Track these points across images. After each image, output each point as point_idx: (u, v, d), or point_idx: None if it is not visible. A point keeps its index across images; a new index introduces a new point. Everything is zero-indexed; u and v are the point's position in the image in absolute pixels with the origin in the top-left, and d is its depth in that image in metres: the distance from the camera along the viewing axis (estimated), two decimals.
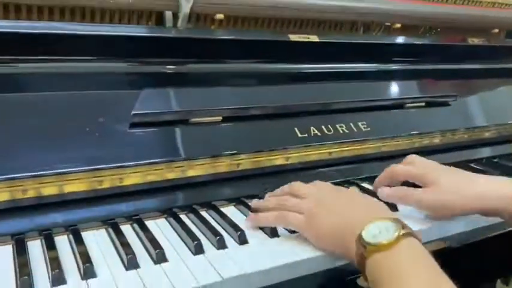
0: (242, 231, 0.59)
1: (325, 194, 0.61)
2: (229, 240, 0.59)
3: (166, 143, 0.69)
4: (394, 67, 0.98)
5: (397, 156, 0.86)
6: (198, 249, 0.56)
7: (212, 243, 0.58)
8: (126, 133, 0.66)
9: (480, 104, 1.03)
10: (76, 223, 0.60)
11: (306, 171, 0.77)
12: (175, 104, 0.71)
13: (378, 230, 0.49)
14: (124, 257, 0.53)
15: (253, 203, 0.67)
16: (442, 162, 0.86)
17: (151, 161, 0.65)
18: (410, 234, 0.49)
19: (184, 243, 0.58)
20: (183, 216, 0.65)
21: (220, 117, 0.72)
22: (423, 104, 0.93)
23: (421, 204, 0.64)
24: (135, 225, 0.62)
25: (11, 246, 0.56)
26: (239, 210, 0.69)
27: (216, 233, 0.59)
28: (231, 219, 0.63)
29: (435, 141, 0.91)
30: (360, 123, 0.82)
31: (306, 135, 0.77)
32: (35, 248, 0.56)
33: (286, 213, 0.60)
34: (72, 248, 0.56)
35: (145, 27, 0.75)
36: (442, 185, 0.63)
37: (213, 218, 0.65)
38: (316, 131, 0.78)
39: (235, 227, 0.61)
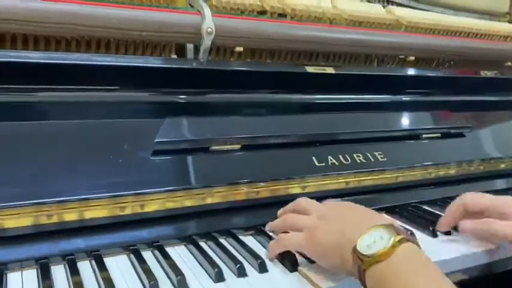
0: (262, 259, 0.60)
1: (327, 208, 0.61)
2: (249, 268, 0.59)
3: (186, 170, 0.70)
4: (407, 98, 1.00)
5: (414, 186, 0.87)
6: (219, 277, 0.56)
7: (232, 271, 0.58)
8: (148, 160, 0.67)
9: (494, 136, 1.03)
10: (98, 248, 0.61)
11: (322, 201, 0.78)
12: (196, 133, 0.72)
13: (373, 239, 0.48)
14: (146, 282, 0.54)
15: (269, 224, 0.67)
16: (456, 193, 0.87)
17: (172, 188, 0.66)
18: (405, 239, 0.48)
19: (205, 270, 0.59)
20: (202, 244, 0.65)
21: (239, 146, 0.74)
22: (439, 135, 0.93)
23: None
24: (156, 252, 0.62)
25: (35, 270, 0.57)
26: (256, 239, 0.69)
27: (236, 260, 0.59)
28: (250, 247, 0.64)
29: (451, 172, 0.91)
30: (376, 153, 0.83)
31: (324, 164, 0.78)
32: (59, 272, 0.57)
33: (282, 235, 0.60)
34: (95, 273, 0.57)
35: (168, 59, 0.78)
36: None
37: (232, 246, 0.66)
38: (334, 160, 0.79)
39: (254, 255, 0.61)
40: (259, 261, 0.59)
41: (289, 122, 0.83)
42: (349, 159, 0.80)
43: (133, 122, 0.71)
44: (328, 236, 0.55)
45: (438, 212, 0.82)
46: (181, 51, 0.82)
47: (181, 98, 0.76)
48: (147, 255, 0.62)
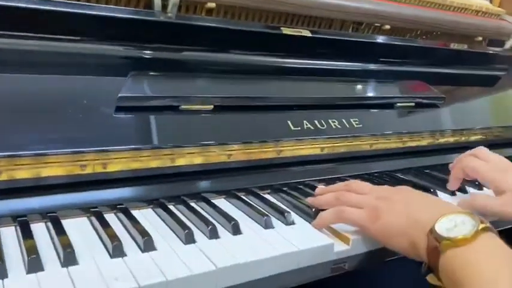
0: (235, 221, 0.56)
1: (384, 189, 0.59)
2: (222, 230, 0.55)
3: (153, 129, 0.65)
4: (384, 67, 0.98)
5: (388, 155, 0.85)
6: (189, 239, 0.52)
7: (204, 233, 0.54)
8: (111, 117, 0.61)
9: (466, 108, 1.03)
10: (55, 210, 0.55)
11: (298, 166, 0.75)
12: (164, 90, 0.67)
13: (453, 223, 0.47)
14: (109, 245, 0.49)
15: (310, 199, 0.64)
16: (429, 163, 0.86)
17: (137, 146, 0.61)
18: (488, 228, 0.46)
19: (174, 232, 0.55)
20: (171, 207, 0.61)
21: (211, 106, 0.69)
22: (413, 104, 0.92)
23: (495, 215, 0.61)
24: (120, 214, 0.58)
25: None
26: (230, 202, 0.65)
27: (207, 222, 0.55)
28: (223, 210, 0.60)
29: (423, 143, 0.90)
30: (352, 120, 0.81)
31: (299, 128, 0.74)
32: (9, 234, 0.51)
33: (345, 207, 0.57)
34: (51, 236, 0.52)
35: (135, 10, 0.71)
36: None
37: (203, 209, 0.62)
38: (309, 125, 0.76)
39: (227, 217, 0.57)
40: (232, 222, 0.56)
41: (263, 84, 0.79)
42: (324, 124, 0.77)
43: (96, 76, 0.65)
44: (395, 217, 0.53)
45: (412, 179, 0.81)
46: (148, 7, 0.76)
47: (149, 53, 0.70)
48: (110, 217, 0.57)
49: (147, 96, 0.65)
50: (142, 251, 0.49)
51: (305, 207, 0.63)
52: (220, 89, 0.72)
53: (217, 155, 0.67)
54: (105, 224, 0.54)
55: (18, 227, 0.52)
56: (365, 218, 0.55)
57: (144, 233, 0.51)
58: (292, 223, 0.59)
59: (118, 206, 0.59)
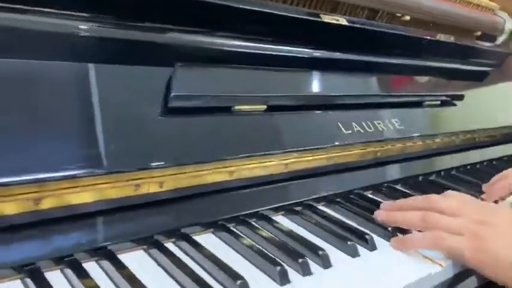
0: (323, 250, 0.48)
1: (477, 209, 0.52)
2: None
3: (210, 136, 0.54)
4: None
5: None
6: (284, 279, 0.43)
7: (292, 268, 0.46)
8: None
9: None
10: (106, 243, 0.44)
11: (346, 173, 0.68)
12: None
13: None
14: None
15: (381, 216, 0.56)
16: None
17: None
18: None
19: (258, 268, 0.45)
20: (235, 230, 0.51)
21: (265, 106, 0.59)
22: (439, 102, 0.88)
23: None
24: (182, 243, 0.47)
25: None
26: (292, 220, 0.57)
27: (295, 255, 0.47)
28: (298, 235, 0.52)
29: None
30: (393, 120, 0.75)
31: (350, 131, 0.67)
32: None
33: (446, 234, 0.49)
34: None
35: None
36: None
37: (271, 232, 0.53)
38: (358, 127, 0.68)
39: (311, 246, 0.49)
40: (321, 253, 0.47)
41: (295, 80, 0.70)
42: (371, 126, 0.71)
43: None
44: (502, 246, 0.47)
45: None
46: None
47: None
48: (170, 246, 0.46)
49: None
50: None
51: (377, 226, 0.56)
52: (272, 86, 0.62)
53: (275, 165, 0.58)
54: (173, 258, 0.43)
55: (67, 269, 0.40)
56: (465, 246, 0.48)
57: (235, 275, 0.41)
58: (375, 247, 0.52)
59: (177, 233, 0.48)
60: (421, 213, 0.53)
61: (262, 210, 0.56)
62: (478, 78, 1.15)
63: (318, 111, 0.65)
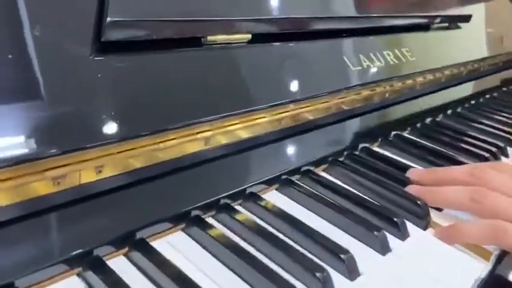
0: (349, 254, 0.33)
1: None
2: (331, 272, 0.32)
3: None
4: None
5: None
6: None
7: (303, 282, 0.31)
8: None
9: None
10: None
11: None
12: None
13: None
14: None
15: (422, 192, 0.42)
16: None
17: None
18: None
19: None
20: (210, 221, 0.35)
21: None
22: (446, 25, 0.72)
23: None
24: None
25: None
26: (289, 197, 0.41)
27: (314, 268, 0.32)
28: (310, 227, 0.36)
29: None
30: (403, 50, 0.58)
31: (360, 67, 0.50)
32: None
33: (506, 226, 0.35)
34: None
35: None
36: None
37: (264, 220, 0.37)
38: (367, 61, 0.51)
39: (332, 247, 0.34)
40: (346, 257, 0.33)
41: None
42: (381, 59, 0.54)
43: None
44: None
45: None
46: None
47: None
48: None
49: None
50: None
51: (408, 202, 0.41)
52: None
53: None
54: None
55: None
56: None
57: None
58: (408, 235, 0.38)
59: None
60: (469, 190, 0.39)
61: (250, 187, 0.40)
62: None
63: (320, 42, 0.47)
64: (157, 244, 0.33)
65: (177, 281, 0.29)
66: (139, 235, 0.32)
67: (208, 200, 0.36)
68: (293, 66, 0.43)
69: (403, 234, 0.38)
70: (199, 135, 0.35)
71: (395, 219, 0.38)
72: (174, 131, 0.33)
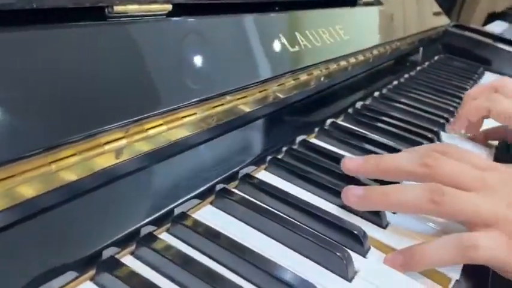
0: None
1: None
2: None
3: None
4: None
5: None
6: None
7: None
8: None
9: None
10: None
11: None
12: None
13: None
14: None
15: (361, 194, 0.35)
16: None
17: None
18: None
19: None
20: None
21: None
22: None
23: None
24: None
25: None
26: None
27: None
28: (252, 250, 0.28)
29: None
30: (337, 28, 0.52)
31: (297, 48, 0.43)
32: None
33: (478, 240, 0.30)
34: None
35: None
36: None
37: None
38: (305, 41, 0.44)
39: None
40: None
41: None
42: (318, 38, 0.47)
43: None
44: None
45: None
46: None
47: None
48: None
49: None
50: None
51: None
52: None
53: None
54: None
55: None
56: (503, 247, 0.30)
57: None
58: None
59: None
60: (426, 190, 0.33)
61: None
62: None
63: (255, 15, 0.39)
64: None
65: None
66: None
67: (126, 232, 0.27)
68: (229, 46, 0.34)
69: (364, 251, 0.32)
70: (106, 147, 0.25)
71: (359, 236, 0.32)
72: (73, 145, 0.23)
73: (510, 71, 1.04)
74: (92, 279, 0.25)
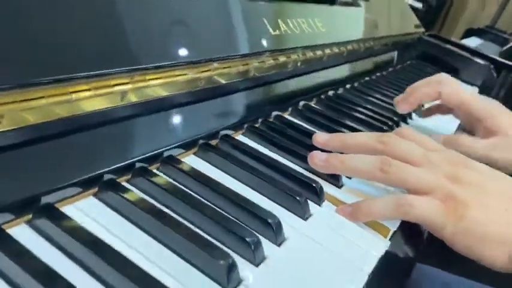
0: (276, 220, 0.32)
1: (452, 160, 0.39)
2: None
3: None
4: None
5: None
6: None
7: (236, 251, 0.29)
8: None
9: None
10: None
11: None
12: None
13: None
14: None
15: (323, 159, 0.40)
16: None
17: None
18: None
19: None
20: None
21: None
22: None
23: (478, 159, 0.43)
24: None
25: None
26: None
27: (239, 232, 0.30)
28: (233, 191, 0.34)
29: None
30: (316, 20, 0.58)
31: (278, 32, 0.49)
32: None
33: (413, 199, 0.36)
34: None
35: None
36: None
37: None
38: (285, 27, 0.50)
39: (261, 215, 0.33)
40: (274, 223, 0.32)
41: None
42: (297, 27, 0.53)
43: None
44: (489, 217, 0.35)
45: None
46: None
47: None
48: None
49: None
50: None
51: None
52: None
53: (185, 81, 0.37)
54: None
55: None
56: (440, 214, 0.36)
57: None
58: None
59: None
60: (378, 159, 0.39)
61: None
62: None
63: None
64: (66, 210, 0.28)
65: (91, 246, 0.25)
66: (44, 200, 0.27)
67: (123, 164, 0.32)
68: (220, 21, 0.40)
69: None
70: (116, 88, 0.30)
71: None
72: (86, 81, 0.28)
73: (476, 81, 1.13)
74: (94, 194, 0.31)
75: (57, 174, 0.28)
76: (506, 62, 1.16)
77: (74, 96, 0.27)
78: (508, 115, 0.56)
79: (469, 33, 2.25)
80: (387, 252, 0.35)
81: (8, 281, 0.23)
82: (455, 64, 1.18)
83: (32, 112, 0.26)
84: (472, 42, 1.92)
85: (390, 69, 0.96)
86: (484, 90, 1.09)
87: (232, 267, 0.26)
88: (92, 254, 0.25)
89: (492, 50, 1.66)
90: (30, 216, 0.27)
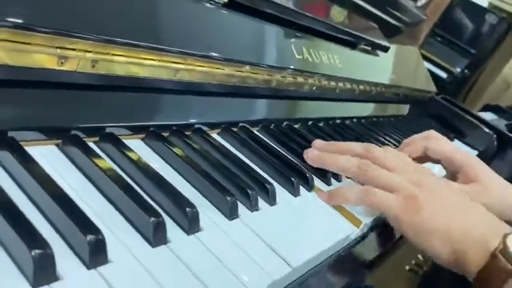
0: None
1: (417, 172, 0.49)
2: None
3: None
4: None
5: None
6: None
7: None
8: None
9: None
10: None
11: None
12: None
13: None
14: None
15: (316, 155, 0.51)
16: None
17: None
18: None
19: None
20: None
21: None
22: (369, 48, 0.85)
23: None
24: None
25: None
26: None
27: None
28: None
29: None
30: (335, 57, 0.70)
31: (301, 56, 0.60)
32: None
33: (377, 190, 0.45)
34: None
35: None
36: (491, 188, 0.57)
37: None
38: (307, 55, 0.61)
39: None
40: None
41: None
42: (318, 57, 0.64)
43: None
44: (438, 216, 0.44)
45: None
46: None
47: None
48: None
49: None
50: None
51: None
52: None
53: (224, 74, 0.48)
54: None
55: None
56: (401, 207, 0.45)
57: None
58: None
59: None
60: (358, 159, 0.49)
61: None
62: (392, 32, 1.16)
63: (275, 26, 0.56)
64: (29, 149, 0.32)
65: (46, 187, 0.28)
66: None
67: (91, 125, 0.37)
68: (257, 39, 0.51)
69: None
70: (172, 65, 0.41)
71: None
72: (159, 53, 0.39)
73: (478, 146, 1.22)
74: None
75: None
76: (507, 132, 1.25)
77: (145, 62, 0.38)
78: (484, 167, 0.63)
79: (486, 108, 2.35)
80: None
81: None
82: (461, 127, 1.27)
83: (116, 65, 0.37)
84: (487, 116, 2.01)
85: (400, 118, 1.05)
86: (484, 156, 1.18)
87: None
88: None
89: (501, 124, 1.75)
90: None
